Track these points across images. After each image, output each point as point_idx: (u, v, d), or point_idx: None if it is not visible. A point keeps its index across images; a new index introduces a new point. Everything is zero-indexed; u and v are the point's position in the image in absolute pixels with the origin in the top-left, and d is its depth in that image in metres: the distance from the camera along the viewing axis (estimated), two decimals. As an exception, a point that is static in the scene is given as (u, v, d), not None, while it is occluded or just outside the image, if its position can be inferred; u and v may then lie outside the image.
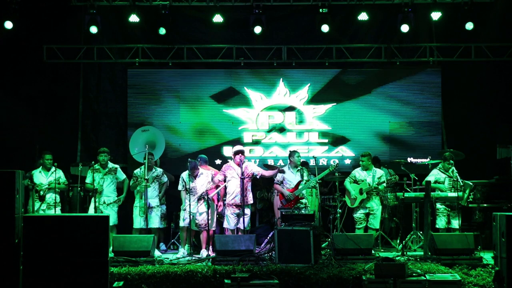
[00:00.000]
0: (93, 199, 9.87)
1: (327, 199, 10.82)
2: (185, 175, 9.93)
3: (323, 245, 9.65)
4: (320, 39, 12.12)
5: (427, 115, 12.29)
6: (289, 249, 8.40)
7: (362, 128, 12.32)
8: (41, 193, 10.00)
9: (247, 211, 9.68)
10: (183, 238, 9.86)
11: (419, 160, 11.63)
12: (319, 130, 12.35)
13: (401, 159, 11.00)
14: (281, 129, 12.39)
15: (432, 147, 11.97)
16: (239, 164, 9.61)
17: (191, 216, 9.71)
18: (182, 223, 9.83)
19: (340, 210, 10.46)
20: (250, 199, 9.81)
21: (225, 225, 9.77)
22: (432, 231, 9.15)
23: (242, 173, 9.57)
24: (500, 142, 10.90)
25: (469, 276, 7.85)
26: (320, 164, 11.71)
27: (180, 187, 9.99)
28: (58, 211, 10.00)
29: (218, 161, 11.91)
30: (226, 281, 7.57)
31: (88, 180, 10.01)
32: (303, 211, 9.66)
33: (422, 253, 9.13)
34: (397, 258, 8.65)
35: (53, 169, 10.02)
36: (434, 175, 10.02)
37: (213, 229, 9.78)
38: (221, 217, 10.38)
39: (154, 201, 10.07)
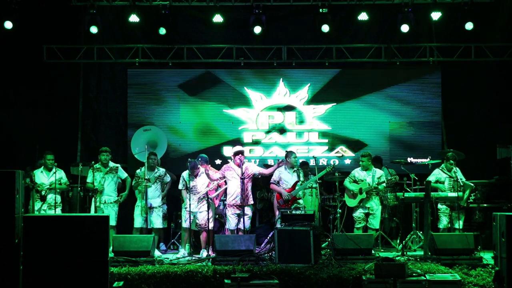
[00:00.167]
0: (93, 199, 9.88)
1: (327, 199, 10.85)
2: (185, 174, 9.95)
3: (323, 245, 9.65)
4: (320, 39, 12.13)
5: (427, 115, 12.29)
6: (289, 249, 8.40)
7: (362, 128, 12.32)
8: (43, 193, 10.00)
9: (248, 211, 9.68)
10: (184, 239, 9.86)
11: (419, 160, 11.62)
12: (319, 130, 12.35)
13: (401, 159, 11.00)
14: (281, 129, 12.39)
15: (432, 147, 11.97)
16: (239, 165, 9.62)
17: (192, 216, 9.71)
18: (184, 224, 9.83)
19: (340, 210, 10.47)
20: (250, 199, 9.81)
21: (226, 225, 9.78)
22: (433, 231, 9.15)
23: (243, 174, 9.58)
24: (500, 142, 10.89)
25: (469, 276, 7.85)
26: (320, 164, 11.71)
27: (180, 186, 10.00)
28: (58, 211, 10.00)
29: (218, 161, 11.90)
30: (226, 281, 7.57)
31: (89, 179, 10.01)
32: (299, 212, 9.66)
33: (422, 253, 9.13)
34: (397, 258, 8.65)
35: (54, 169, 10.02)
36: (435, 175, 10.02)
37: (212, 229, 9.77)
38: (221, 217, 10.38)
39: (156, 201, 10.06)
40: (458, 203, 9.61)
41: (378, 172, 10.18)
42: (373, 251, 8.85)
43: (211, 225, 9.67)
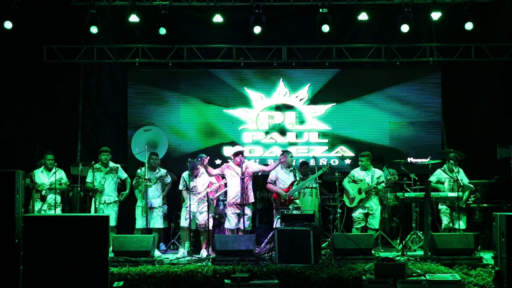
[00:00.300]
0: (93, 199, 9.87)
1: (327, 199, 10.83)
2: (185, 174, 9.95)
3: (323, 245, 9.66)
4: (320, 39, 12.13)
5: (427, 115, 12.29)
6: (289, 249, 8.40)
7: (362, 128, 12.31)
8: (43, 193, 10.00)
9: (248, 211, 9.68)
10: (184, 238, 9.86)
11: (419, 160, 11.63)
12: (319, 130, 12.35)
13: (401, 159, 11.00)
14: (281, 129, 12.39)
15: (432, 147, 11.97)
16: (239, 165, 9.62)
17: (192, 216, 9.72)
18: (183, 223, 9.84)
19: (340, 210, 10.46)
20: (251, 197, 9.81)
21: (226, 225, 9.78)
22: (432, 231, 9.15)
23: (243, 173, 9.57)
24: (500, 142, 10.89)
25: (469, 276, 7.85)
26: (320, 164, 11.70)
27: (181, 187, 10.01)
28: (58, 212, 9.99)
29: (218, 161, 11.90)
30: (226, 281, 7.57)
31: (88, 179, 10.01)
32: (296, 212, 9.66)
33: (422, 253, 9.14)
34: (397, 258, 8.65)
35: (54, 169, 10.02)
36: (437, 175, 10.03)
37: (211, 228, 9.77)
38: (221, 217, 10.38)
39: (156, 201, 10.07)
40: (458, 204, 9.62)
41: (377, 172, 10.19)
42: (373, 251, 8.85)
43: (210, 225, 9.67)
